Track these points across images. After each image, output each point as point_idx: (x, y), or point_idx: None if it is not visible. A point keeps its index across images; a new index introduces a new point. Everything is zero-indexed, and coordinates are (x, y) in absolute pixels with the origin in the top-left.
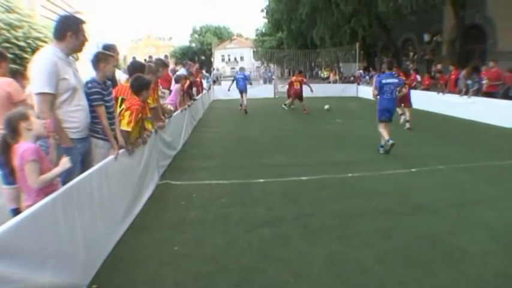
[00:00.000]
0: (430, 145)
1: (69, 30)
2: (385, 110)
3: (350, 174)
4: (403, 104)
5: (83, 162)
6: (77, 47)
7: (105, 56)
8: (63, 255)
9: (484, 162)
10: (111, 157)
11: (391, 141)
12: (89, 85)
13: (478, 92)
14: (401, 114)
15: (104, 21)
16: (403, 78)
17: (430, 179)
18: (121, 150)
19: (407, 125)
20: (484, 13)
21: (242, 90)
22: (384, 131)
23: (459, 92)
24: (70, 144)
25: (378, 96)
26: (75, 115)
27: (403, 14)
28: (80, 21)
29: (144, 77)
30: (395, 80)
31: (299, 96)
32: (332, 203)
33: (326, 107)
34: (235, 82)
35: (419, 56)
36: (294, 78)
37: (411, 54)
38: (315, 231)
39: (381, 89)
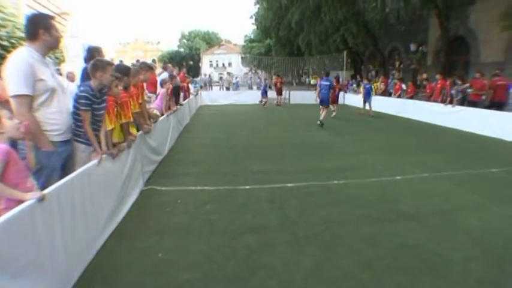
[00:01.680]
0: (415, 153)
1: (41, 28)
2: (322, 100)
3: (335, 181)
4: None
5: (65, 166)
6: (53, 45)
7: (103, 64)
8: (42, 262)
9: (466, 170)
10: (93, 162)
11: (320, 122)
12: (81, 88)
13: (463, 102)
14: (333, 111)
15: (92, 24)
16: (334, 82)
17: (414, 186)
18: (104, 155)
19: (334, 114)
20: (467, 25)
21: (263, 93)
22: (321, 113)
23: (444, 101)
24: (50, 147)
25: (319, 93)
26: (55, 117)
27: (390, 23)
28: (49, 17)
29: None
30: (327, 83)
31: (279, 91)
32: (318, 210)
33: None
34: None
35: (406, 65)
36: (275, 80)
37: (397, 63)
38: (300, 239)
39: (320, 88)
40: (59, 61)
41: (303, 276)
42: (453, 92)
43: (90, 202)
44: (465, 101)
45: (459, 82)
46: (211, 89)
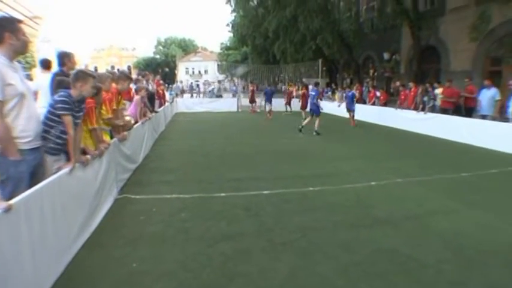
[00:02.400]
0: (389, 159)
1: (6, 31)
2: (310, 109)
3: (311, 188)
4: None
5: (34, 174)
6: (20, 49)
7: (85, 76)
8: (8, 276)
9: (439, 175)
10: (65, 170)
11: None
12: (61, 93)
13: (434, 109)
14: (305, 118)
15: (66, 29)
16: (304, 89)
17: (388, 192)
18: (77, 164)
19: (305, 122)
20: (438, 35)
21: (267, 101)
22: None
23: (416, 108)
24: (18, 156)
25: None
26: (24, 123)
27: (365, 32)
28: (16, 20)
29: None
30: (314, 93)
31: (252, 98)
32: (294, 217)
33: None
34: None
35: (379, 73)
36: (251, 87)
37: (371, 71)
38: (276, 246)
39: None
40: (30, 66)
41: (280, 283)
42: (425, 99)
43: (61, 212)
44: (434, 108)
45: (431, 90)
46: (192, 95)
